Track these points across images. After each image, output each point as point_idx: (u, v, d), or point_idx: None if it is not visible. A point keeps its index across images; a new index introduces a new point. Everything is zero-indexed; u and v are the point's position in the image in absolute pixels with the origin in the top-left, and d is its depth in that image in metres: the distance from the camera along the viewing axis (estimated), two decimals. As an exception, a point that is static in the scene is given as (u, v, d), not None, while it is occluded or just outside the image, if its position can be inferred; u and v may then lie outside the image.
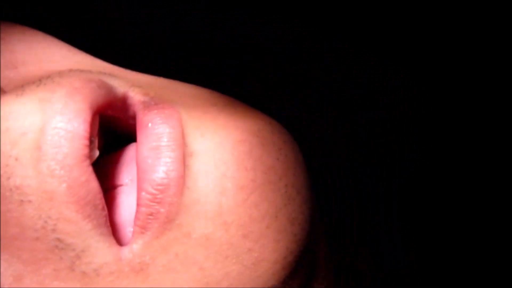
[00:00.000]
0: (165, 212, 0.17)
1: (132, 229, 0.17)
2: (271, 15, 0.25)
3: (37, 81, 0.17)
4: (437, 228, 0.24)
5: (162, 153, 0.17)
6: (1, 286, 0.16)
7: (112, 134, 0.19)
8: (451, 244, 0.24)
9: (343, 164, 0.25)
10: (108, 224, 0.17)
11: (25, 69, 0.20)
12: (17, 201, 0.16)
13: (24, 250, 0.16)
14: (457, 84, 0.24)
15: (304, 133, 0.22)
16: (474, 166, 0.24)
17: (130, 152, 0.19)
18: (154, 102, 0.18)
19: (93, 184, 0.16)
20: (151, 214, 0.17)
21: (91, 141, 0.16)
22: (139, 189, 0.17)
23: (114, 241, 0.17)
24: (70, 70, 0.19)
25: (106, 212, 0.17)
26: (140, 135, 0.17)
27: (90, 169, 0.16)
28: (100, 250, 0.16)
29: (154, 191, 0.17)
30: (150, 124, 0.17)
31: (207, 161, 0.17)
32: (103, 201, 0.16)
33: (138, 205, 0.17)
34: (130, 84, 0.18)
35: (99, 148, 0.17)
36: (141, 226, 0.17)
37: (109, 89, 0.17)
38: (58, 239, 0.16)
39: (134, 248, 0.17)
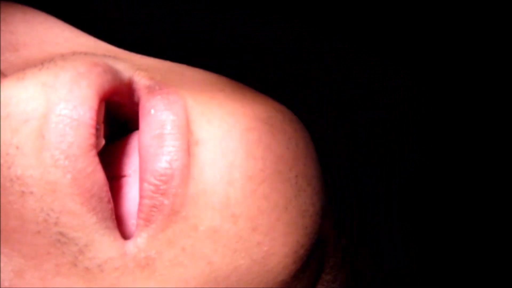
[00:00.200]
0: (169, 204, 0.16)
1: (135, 222, 0.17)
2: (271, 15, 0.25)
3: (39, 64, 0.16)
4: (437, 228, 0.24)
5: (165, 142, 0.16)
6: (2, 282, 0.15)
7: (116, 121, 0.19)
8: (451, 244, 0.24)
9: (343, 164, 0.25)
10: (114, 217, 0.16)
11: (26, 52, 0.19)
12: (18, 192, 0.15)
13: (25, 244, 0.15)
14: (457, 84, 0.24)
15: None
16: (474, 166, 0.24)
17: (134, 141, 0.18)
18: (159, 87, 0.17)
19: (99, 175, 0.16)
20: (154, 206, 0.16)
21: (96, 129, 0.16)
22: (141, 180, 0.16)
23: (119, 235, 0.16)
24: (74, 53, 0.18)
25: (112, 205, 0.16)
26: (142, 123, 0.17)
27: (97, 159, 0.16)
28: (105, 244, 0.16)
29: (157, 182, 0.16)
30: (153, 111, 0.17)
31: (214, 149, 0.17)
32: (109, 193, 0.16)
33: (141, 197, 0.16)
34: (136, 68, 0.18)
35: (104, 137, 0.17)
36: (145, 219, 0.16)
37: (114, 74, 0.17)
38: (61, 233, 0.15)
39: (138, 242, 0.16)
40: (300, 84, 0.25)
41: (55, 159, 0.15)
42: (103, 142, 0.17)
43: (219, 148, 0.17)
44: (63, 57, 0.17)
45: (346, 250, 0.23)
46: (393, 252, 0.24)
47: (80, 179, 0.15)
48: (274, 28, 0.25)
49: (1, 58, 0.19)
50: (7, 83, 0.16)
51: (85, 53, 0.18)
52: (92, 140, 0.15)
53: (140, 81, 0.17)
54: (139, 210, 0.16)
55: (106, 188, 0.16)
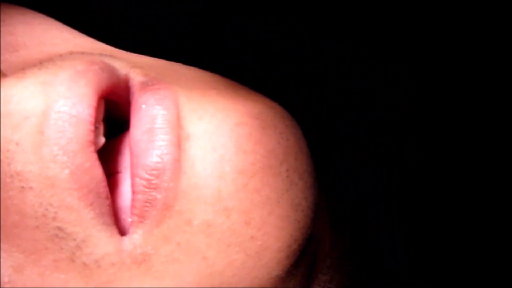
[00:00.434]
0: (162, 198, 0.16)
1: (130, 219, 0.17)
2: (271, 15, 0.25)
3: (39, 64, 0.17)
4: (437, 228, 0.24)
5: (156, 136, 0.16)
6: (1, 278, 0.16)
7: (116, 122, 0.19)
8: (451, 244, 0.24)
9: (343, 164, 0.25)
10: (112, 213, 0.16)
11: (26, 52, 0.19)
12: (17, 188, 0.15)
13: (24, 239, 0.16)
14: (457, 84, 0.24)
15: (303, 133, 0.22)
16: (474, 166, 0.24)
17: (128, 138, 0.18)
18: (151, 83, 0.17)
19: (97, 171, 0.16)
20: (147, 201, 0.16)
21: (95, 127, 0.16)
22: (133, 175, 0.16)
23: (116, 231, 0.16)
24: (71, 53, 0.18)
25: (109, 200, 0.16)
26: (133, 118, 0.17)
27: (95, 155, 0.16)
28: (102, 240, 0.16)
29: (148, 177, 0.16)
30: (144, 106, 0.17)
31: (204, 144, 0.17)
32: (106, 189, 0.16)
33: (133, 192, 0.16)
34: (131, 66, 0.18)
35: (104, 136, 0.17)
36: (139, 215, 0.16)
37: (111, 72, 0.17)
38: (59, 228, 0.16)
39: (134, 238, 0.16)
40: (300, 84, 0.25)
41: (53, 154, 0.15)
42: (103, 140, 0.17)
43: (210, 142, 0.17)
44: (61, 57, 0.17)
45: (343, 250, 0.22)
46: (393, 252, 0.24)
47: (78, 174, 0.15)
48: (274, 28, 0.25)
49: (1, 58, 0.19)
50: (7, 82, 0.16)
51: (83, 53, 0.18)
52: (90, 136, 0.16)
53: (136, 78, 0.18)
54: (133, 205, 0.16)
55: (104, 184, 0.16)
